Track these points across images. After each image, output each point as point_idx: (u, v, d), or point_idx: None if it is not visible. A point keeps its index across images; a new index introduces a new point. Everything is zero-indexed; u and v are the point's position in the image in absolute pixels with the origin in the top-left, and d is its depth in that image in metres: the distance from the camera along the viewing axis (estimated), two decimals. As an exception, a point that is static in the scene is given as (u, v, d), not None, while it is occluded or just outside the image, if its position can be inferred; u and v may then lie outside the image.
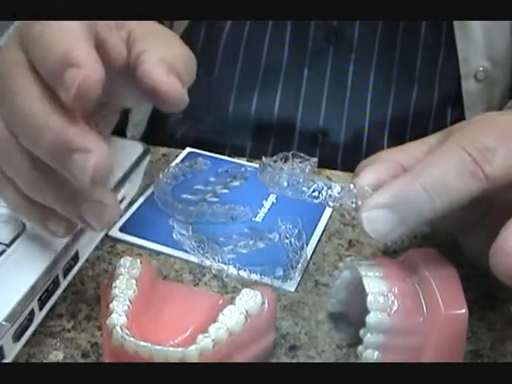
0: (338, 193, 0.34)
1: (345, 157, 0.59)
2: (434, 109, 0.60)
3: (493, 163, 0.32)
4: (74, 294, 0.39)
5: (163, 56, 0.35)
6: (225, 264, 0.41)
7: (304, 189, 0.34)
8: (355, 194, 0.34)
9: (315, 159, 0.36)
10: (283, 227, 0.43)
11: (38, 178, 0.33)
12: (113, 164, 0.32)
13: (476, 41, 0.56)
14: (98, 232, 0.37)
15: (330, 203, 0.35)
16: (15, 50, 0.34)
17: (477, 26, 0.56)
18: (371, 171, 0.35)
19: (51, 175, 0.33)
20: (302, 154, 0.36)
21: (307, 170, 0.36)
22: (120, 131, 0.53)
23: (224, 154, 0.52)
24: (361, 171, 0.35)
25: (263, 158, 0.35)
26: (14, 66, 0.33)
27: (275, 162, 0.35)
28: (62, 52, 0.30)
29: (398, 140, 0.38)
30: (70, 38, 0.31)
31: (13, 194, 0.35)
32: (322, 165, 0.48)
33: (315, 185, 0.34)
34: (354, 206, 0.34)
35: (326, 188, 0.35)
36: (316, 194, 0.35)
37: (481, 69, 0.57)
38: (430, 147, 0.35)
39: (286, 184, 0.34)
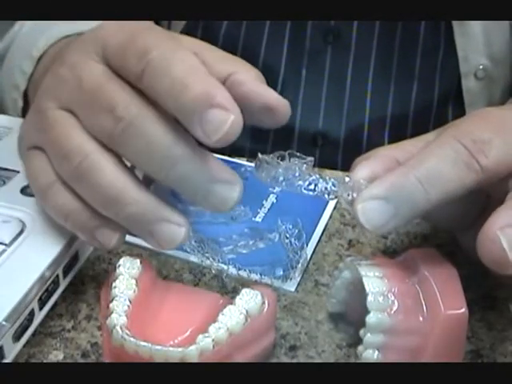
0: (334, 186, 0.35)
1: (345, 158, 0.59)
2: (435, 108, 0.60)
3: (488, 155, 0.32)
4: (73, 294, 0.39)
5: (251, 75, 0.36)
6: (225, 264, 0.41)
7: (299, 182, 0.35)
8: (350, 186, 0.34)
9: (311, 158, 0.36)
10: (283, 227, 0.43)
11: (121, 192, 0.33)
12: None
13: (475, 39, 0.56)
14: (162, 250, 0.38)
15: (327, 196, 0.35)
16: (99, 65, 0.34)
17: (476, 25, 0.56)
18: (366, 165, 0.35)
19: (135, 192, 0.34)
20: (299, 154, 0.36)
21: (304, 168, 0.36)
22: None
23: (223, 153, 0.52)
24: (356, 166, 0.35)
25: (259, 155, 0.35)
26: (107, 86, 0.33)
27: (272, 158, 0.35)
28: (203, 90, 0.31)
29: (398, 140, 0.38)
30: (203, 74, 0.32)
31: (69, 200, 0.35)
32: (322, 166, 0.48)
33: (310, 178, 0.35)
34: (350, 198, 0.34)
35: (321, 181, 0.35)
36: (312, 187, 0.35)
37: (481, 67, 0.57)
38: (426, 143, 0.36)
39: (281, 178, 0.35)
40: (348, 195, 0.34)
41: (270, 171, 0.35)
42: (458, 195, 0.32)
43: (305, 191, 0.35)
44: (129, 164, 0.35)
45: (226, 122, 0.31)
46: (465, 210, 0.37)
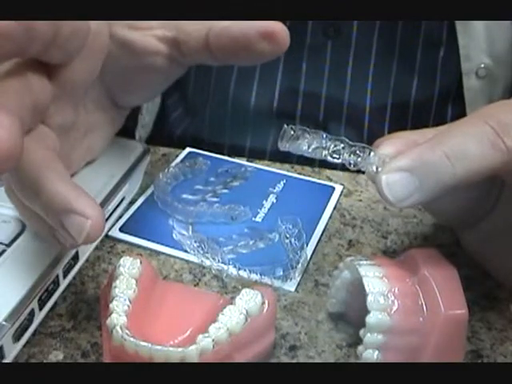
0: (359, 156, 0.34)
1: None
2: (435, 104, 0.59)
3: None
4: (73, 294, 0.39)
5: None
6: (225, 264, 0.41)
7: (324, 151, 0.35)
8: (375, 161, 0.34)
9: (342, 138, 0.36)
10: (283, 227, 0.43)
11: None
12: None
13: (478, 38, 0.56)
14: (75, 247, 0.37)
15: (350, 166, 0.35)
16: None
17: (478, 23, 0.56)
18: (390, 143, 0.35)
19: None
20: (320, 131, 0.36)
21: (327, 143, 0.36)
22: (130, 133, 0.53)
23: (223, 149, 0.52)
24: (380, 144, 0.35)
25: (285, 126, 0.35)
26: None
27: (294, 131, 0.35)
28: (60, 196, 0.31)
29: None
30: (57, 176, 0.32)
31: (18, 203, 0.35)
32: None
33: (336, 147, 0.34)
34: (374, 171, 0.34)
35: (347, 150, 0.35)
36: (336, 155, 0.35)
37: (482, 66, 0.57)
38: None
39: (305, 147, 0.34)
40: (371, 166, 0.34)
41: (295, 141, 0.34)
42: (482, 175, 0.32)
43: (330, 158, 0.35)
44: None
45: (85, 226, 0.32)
46: (474, 204, 0.37)
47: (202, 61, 0.38)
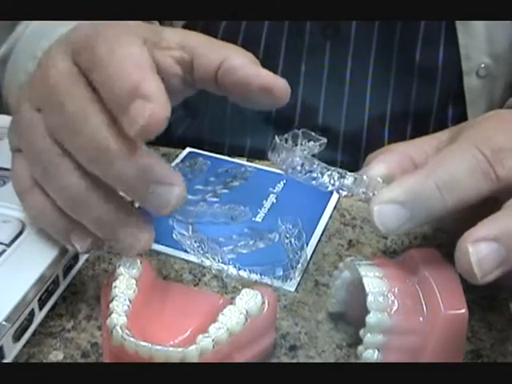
0: (351, 182, 0.34)
1: (344, 154, 0.59)
2: (435, 104, 0.59)
3: (505, 165, 0.32)
4: (73, 294, 0.39)
5: (245, 58, 0.36)
6: (225, 264, 0.41)
7: (316, 175, 0.34)
8: (366, 184, 0.34)
9: (324, 140, 0.36)
10: (283, 227, 0.43)
11: (83, 195, 0.33)
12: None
13: (478, 37, 0.56)
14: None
15: (341, 192, 0.35)
16: (67, 63, 0.34)
17: (478, 23, 0.56)
18: (382, 162, 0.35)
19: (97, 195, 0.33)
20: (313, 134, 0.36)
21: (316, 150, 0.36)
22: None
23: (223, 149, 0.52)
24: (371, 161, 0.35)
25: (276, 138, 0.35)
26: (68, 81, 0.33)
27: (286, 140, 0.35)
28: (132, 82, 0.31)
29: (398, 136, 0.38)
30: (138, 67, 0.32)
31: (43, 203, 0.35)
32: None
33: (327, 172, 0.34)
34: (364, 196, 0.34)
35: (338, 176, 0.35)
36: (328, 180, 0.35)
37: (482, 65, 0.57)
38: (439, 143, 0.36)
39: (299, 168, 0.34)
40: (363, 193, 0.34)
41: (287, 158, 0.34)
42: (472, 202, 0.32)
43: (319, 186, 0.35)
44: None
45: (146, 111, 0.30)
46: (471, 214, 0.37)
47: (210, 89, 0.38)
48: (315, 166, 0.34)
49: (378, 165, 0.35)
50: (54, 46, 0.36)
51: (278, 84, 0.35)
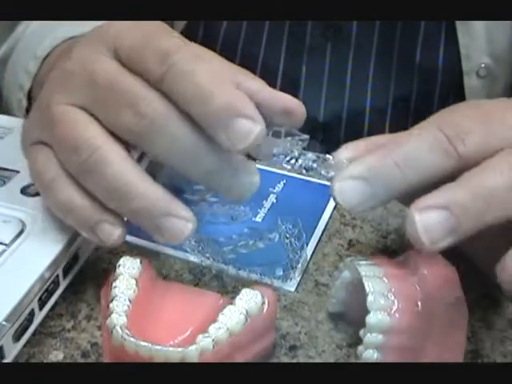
0: (314, 161, 0.35)
1: None
2: (436, 104, 0.59)
3: (466, 143, 0.32)
4: (73, 294, 0.39)
5: (260, 82, 0.36)
6: (225, 264, 0.41)
7: (281, 156, 0.35)
8: (331, 165, 0.35)
9: (307, 136, 0.36)
10: (283, 227, 0.43)
11: (133, 186, 0.34)
12: None
13: (478, 37, 0.56)
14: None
15: (304, 171, 0.35)
16: (112, 61, 0.34)
17: (478, 23, 0.56)
18: (350, 147, 0.36)
19: (145, 186, 0.34)
20: (295, 131, 0.36)
21: (298, 146, 0.36)
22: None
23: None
24: (342, 147, 0.36)
25: None
26: (127, 81, 0.33)
27: (267, 134, 0.35)
28: (228, 100, 0.32)
29: None
30: (226, 83, 0.33)
31: (72, 193, 0.35)
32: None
33: (292, 153, 0.35)
34: (329, 176, 0.35)
35: (301, 157, 0.35)
36: (292, 161, 0.35)
37: (482, 65, 0.57)
38: None
39: (263, 152, 0.35)
40: (328, 173, 0.35)
41: (257, 147, 0.35)
42: (434, 180, 0.33)
43: (285, 165, 0.35)
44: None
45: (254, 131, 0.32)
46: None
47: None
48: (280, 149, 0.35)
49: (346, 149, 0.36)
50: (88, 39, 0.36)
51: (298, 106, 0.36)
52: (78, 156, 0.34)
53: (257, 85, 0.36)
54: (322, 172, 0.35)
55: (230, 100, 0.32)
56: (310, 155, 0.35)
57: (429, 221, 0.31)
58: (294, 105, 0.36)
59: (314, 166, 0.35)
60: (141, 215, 0.34)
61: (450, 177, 0.33)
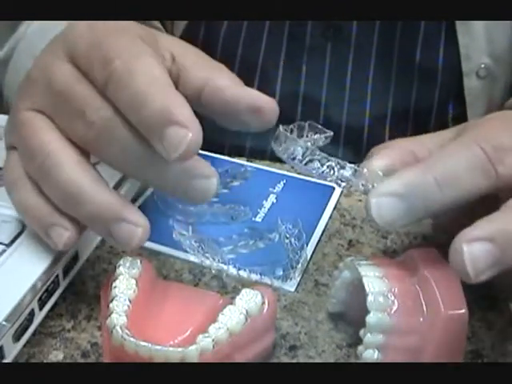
0: (351, 174, 0.34)
1: (345, 154, 0.59)
2: (436, 104, 0.59)
3: (506, 163, 0.32)
4: (73, 294, 0.39)
5: (229, 79, 0.36)
6: (225, 264, 0.41)
7: (317, 165, 0.34)
8: (366, 176, 0.34)
9: (331, 132, 0.36)
10: (283, 227, 0.43)
11: (84, 190, 0.34)
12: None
13: (478, 38, 0.56)
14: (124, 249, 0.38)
15: (340, 183, 0.35)
16: (67, 66, 0.34)
17: (478, 23, 0.56)
18: (384, 155, 0.35)
19: (97, 190, 0.34)
20: (320, 126, 0.36)
21: (321, 142, 0.36)
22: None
23: (223, 149, 0.52)
24: (373, 155, 0.35)
25: (280, 127, 0.35)
26: (78, 86, 0.34)
27: (291, 130, 0.35)
28: (162, 107, 0.31)
29: (399, 136, 0.38)
30: (163, 89, 0.32)
31: (30, 194, 0.35)
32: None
33: (329, 162, 0.34)
34: (363, 188, 0.34)
35: (338, 167, 0.35)
36: (328, 171, 0.35)
37: (482, 66, 0.57)
38: (442, 140, 0.36)
39: (300, 157, 0.34)
40: (362, 185, 0.34)
41: (288, 147, 0.34)
42: (470, 199, 0.32)
43: (320, 176, 0.35)
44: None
45: (185, 139, 0.31)
46: (471, 213, 0.37)
47: (195, 108, 0.38)
48: (316, 156, 0.34)
49: (380, 158, 0.35)
50: (49, 45, 0.37)
51: (267, 103, 0.35)
52: (34, 160, 0.34)
53: (226, 82, 0.35)
54: (359, 184, 0.34)
55: (163, 106, 0.31)
56: (346, 165, 0.35)
57: (476, 253, 0.30)
58: (262, 102, 0.35)
59: (349, 176, 0.34)
60: (92, 220, 0.34)
61: (487, 195, 0.32)
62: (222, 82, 0.35)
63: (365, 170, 0.34)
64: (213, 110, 0.36)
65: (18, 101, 0.36)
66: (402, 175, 0.33)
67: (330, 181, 0.35)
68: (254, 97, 0.35)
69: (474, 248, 0.30)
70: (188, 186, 0.33)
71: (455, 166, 0.32)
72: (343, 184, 0.35)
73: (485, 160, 0.32)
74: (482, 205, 0.36)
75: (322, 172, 0.35)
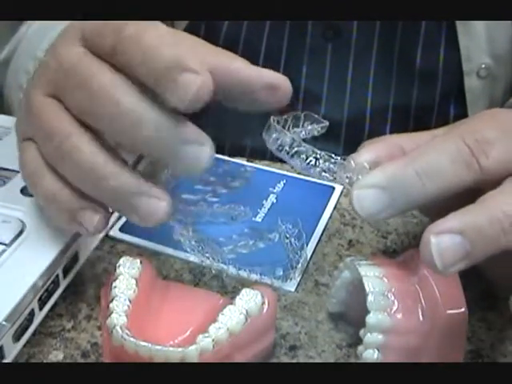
0: (335, 165, 0.35)
1: (346, 154, 0.59)
2: (436, 105, 0.59)
3: (489, 156, 0.32)
4: (73, 294, 0.39)
5: (242, 61, 0.36)
6: (225, 264, 0.41)
7: (302, 156, 0.35)
8: (352, 169, 0.34)
9: (326, 122, 0.36)
10: (283, 227, 0.43)
11: (101, 167, 0.34)
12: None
13: (478, 38, 0.56)
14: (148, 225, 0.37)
15: (324, 175, 0.35)
16: (79, 48, 0.35)
17: (479, 23, 0.56)
18: (371, 149, 0.35)
19: (113, 166, 0.34)
20: (316, 116, 0.36)
21: (316, 132, 0.36)
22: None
23: (223, 149, 0.52)
24: (361, 149, 0.36)
25: (271, 118, 0.35)
26: (86, 62, 0.34)
27: (285, 120, 0.35)
28: (174, 56, 0.31)
29: None
30: (174, 42, 0.33)
31: (53, 181, 0.35)
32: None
33: (315, 154, 0.35)
34: (347, 181, 0.35)
35: (324, 159, 0.35)
36: (313, 162, 0.35)
37: (483, 66, 0.57)
38: (433, 137, 0.36)
39: (287, 148, 0.34)
40: (347, 178, 0.35)
41: (277, 139, 0.35)
42: (454, 192, 0.32)
43: (305, 167, 0.35)
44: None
45: (197, 83, 0.31)
46: (457, 206, 0.37)
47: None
48: (302, 147, 0.34)
49: (367, 151, 0.35)
50: (61, 36, 0.37)
51: (282, 80, 0.36)
52: (51, 144, 0.34)
53: (239, 63, 0.36)
54: (343, 177, 0.34)
55: (175, 56, 0.31)
56: (333, 157, 0.35)
57: (443, 245, 0.30)
58: (278, 80, 0.36)
59: (335, 169, 0.35)
60: (114, 196, 0.34)
61: (473, 188, 0.32)
62: (234, 63, 0.36)
63: (351, 163, 0.34)
64: (225, 92, 0.36)
65: (32, 89, 0.36)
66: (384, 168, 0.33)
67: (314, 172, 0.35)
68: (269, 75, 0.36)
69: (442, 240, 0.30)
70: (179, 152, 0.33)
71: (437, 158, 0.32)
72: (329, 177, 0.35)
73: (467, 153, 0.32)
74: (469, 198, 0.36)
75: (308, 163, 0.35)
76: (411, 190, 0.32)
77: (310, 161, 0.35)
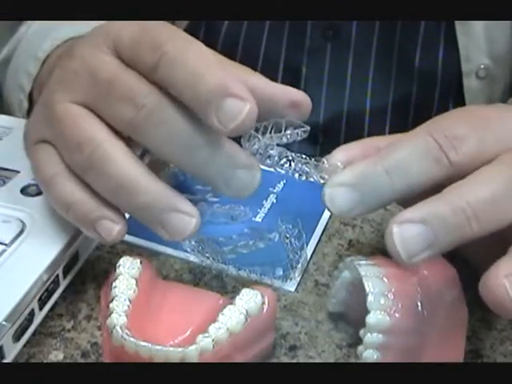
0: (307, 166, 0.35)
1: None
2: (435, 105, 0.60)
3: (459, 151, 0.32)
4: (73, 294, 0.39)
5: (263, 78, 0.37)
6: (225, 264, 0.41)
7: (275, 159, 0.35)
8: (326, 169, 0.35)
9: (307, 127, 0.36)
10: (283, 227, 0.43)
11: (135, 181, 0.34)
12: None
13: (477, 38, 0.56)
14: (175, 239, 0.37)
15: (297, 175, 0.35)
16: (110, 57, 0.34)
17: (478, 24, 0.56)
18: (346, 149, 0.36)
19: (148, 180, 0.34)
20: (298, 122, 0.36)
21: (298, 137, 0.36)
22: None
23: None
24: (336, 150, 0.36)
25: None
26: (126, 75, 0.33)
27: (265, 127, 0.35)
28: (218, 79, 0.31)
29: None
30: (218, 65, 0.32)
31: (73, 189, 0.35)
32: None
33: (286, 155, 0.35)
34: (321, 181, 0.35)
35: (296, 160, 0.35)
36: (287, 164, 0.35)
37: (482, 66, 0.57)
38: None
39: (261, 151, 0.35)
40: (321, 178, 0.35)
41: (253, 144, 0.35)
42: (424, 188, 0.33)
43: (278, 168, 0.35)
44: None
45: (243, 110, 0.31)
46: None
47: None
48: (274, 150, 0.35)
49: (341, 151, 0.36)
50: (89, 38, 0.36)
51: (304, 97, 0.37)
52: (81, 153, 0.34)
53: (261, 80, 0.36)
54: (316, 177, 0.35)
55: (220, 80, 0.31)
56: (304, 159, 0.35)
57: (406, 234, 0.31)
58: (301, 97, 0.36)
59: (307, 169, 0.35)
60: (145, 211, 0.34)
61: (448, 183, 0.32)
62: (256, 80, 0.36)
63: (325, 163, 0.35)
64: None
65: (54, 94, 0.35)
66: (354, 166, 0.33)
67: (288, 172, 0.35)
68: (292, 92, 0.36)
69: (405, 229, 0.31)
70: (232, 176, 0.33)
71: (405, 155, 0.33)
72: (302, 178, 0.35)
73: (435, 148, 0.32)
74: None
75: (282, 165, 0.35)
76: (380, 188, 0.33)
77: (284, 163, 0.35)
